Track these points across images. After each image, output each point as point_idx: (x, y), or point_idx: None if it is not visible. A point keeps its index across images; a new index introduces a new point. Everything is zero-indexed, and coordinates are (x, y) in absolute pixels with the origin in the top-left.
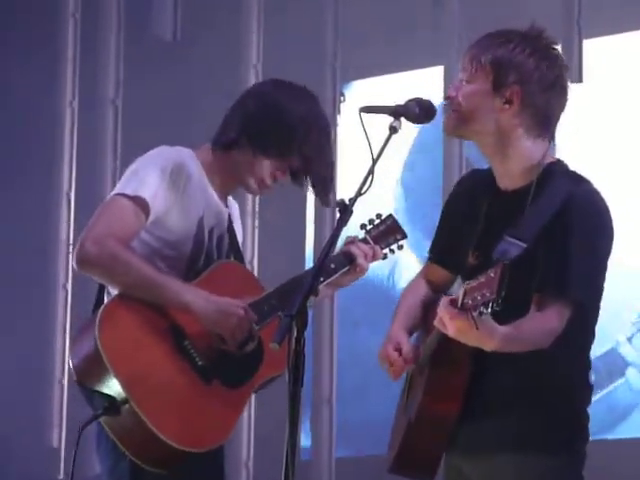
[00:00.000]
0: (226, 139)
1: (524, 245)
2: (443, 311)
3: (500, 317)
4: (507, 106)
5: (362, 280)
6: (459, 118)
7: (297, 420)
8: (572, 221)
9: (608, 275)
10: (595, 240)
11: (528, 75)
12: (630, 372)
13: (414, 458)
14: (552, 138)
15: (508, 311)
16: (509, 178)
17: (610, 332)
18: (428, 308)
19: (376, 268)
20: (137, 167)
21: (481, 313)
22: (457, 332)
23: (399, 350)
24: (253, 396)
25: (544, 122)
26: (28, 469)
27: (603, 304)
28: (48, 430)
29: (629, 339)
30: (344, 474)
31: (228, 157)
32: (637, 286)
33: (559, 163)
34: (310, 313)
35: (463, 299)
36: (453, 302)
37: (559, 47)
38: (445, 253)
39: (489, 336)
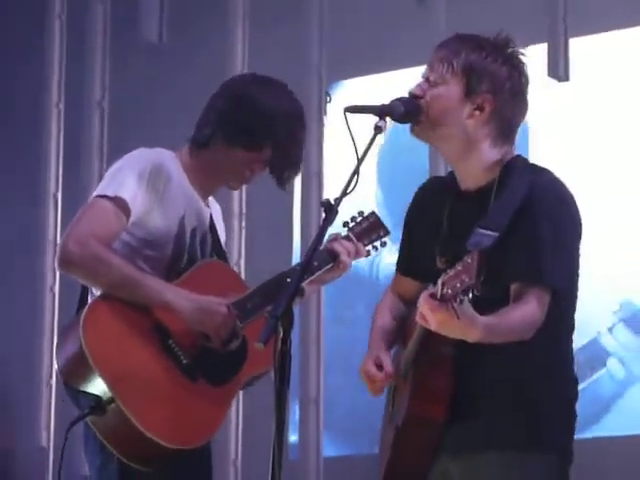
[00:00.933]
0: (201, 137)
1: (496, 234)
2: (423, 304)
3: (478, 307)
4: (477, 113)
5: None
6: (426, 121)
7: (284, 419)
8: (538, 209)
9: (588, 265)
10: (563, 226)
11: (501, 85)
12: (611, 362)
13: (405, 465)
14: (513, 142)
15: (485, 301)
16: (472, 178)
17: (591, 323)
18: (402, 322)
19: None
20: (117, 169)
21: (461, 301)
22: (439, 324)
23: (379, 365)
24: (241, 396)
25: (509, 130)
26: (17, 469)
27: (583, 294)
28: (37, 431)
29: (610, 329)
30: (332, 473)
31: (205, 155)
32: (617, 276)
33: (519, 158)
34: (296, 312)
35: (442, 290)
36: (433, 295)
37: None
38: (411, 264)
39: (471, 325)
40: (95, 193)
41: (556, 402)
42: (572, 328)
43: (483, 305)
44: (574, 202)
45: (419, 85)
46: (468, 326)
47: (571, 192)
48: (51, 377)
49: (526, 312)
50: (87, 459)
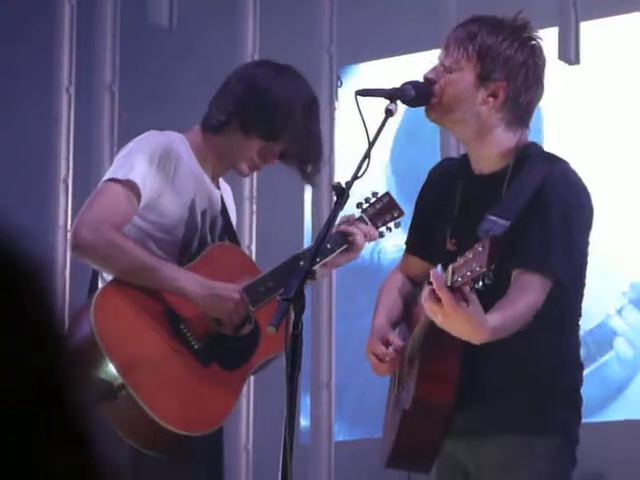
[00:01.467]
0: (216, 122)
1: (508, 223)
2: (428, 297)
3: (483, 295)
4: (491, 99)
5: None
6: (439, 106)
7: (295, 404)
8: (551, 199)
9: (597, 247)
10: (574, 216)
11: (515, 72)
12: (619, 344)
13: (411, 449)
14: (528, 126)
15: (491, 289)
16: (485, 162)
17: (600, 305)
18: (408, 302)
19: None
20: (126, 153)
21: (472, 289)
22: (446, 318)
23: (386, 343)
24: (252, 380)
25: (524, 115)
26: None
27: (592, 276)
28: None
29: (619, 311)
30: (344, 458)
31: (218, 139)
32: (626, 258)
33: (533, 146)
34: (308, 297)
35: (453, 278)
36: (439, 284)
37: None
38: (421, 244)
39: (480, 326)
40: (105, 177)
41: (560, 387)
42: (578, 315)
43: (482, 291)
44: (587, 194)
45: (434, 69)
46: (477, 327)
47: (583, 183)
48: None
49: (531, 301)
50: None
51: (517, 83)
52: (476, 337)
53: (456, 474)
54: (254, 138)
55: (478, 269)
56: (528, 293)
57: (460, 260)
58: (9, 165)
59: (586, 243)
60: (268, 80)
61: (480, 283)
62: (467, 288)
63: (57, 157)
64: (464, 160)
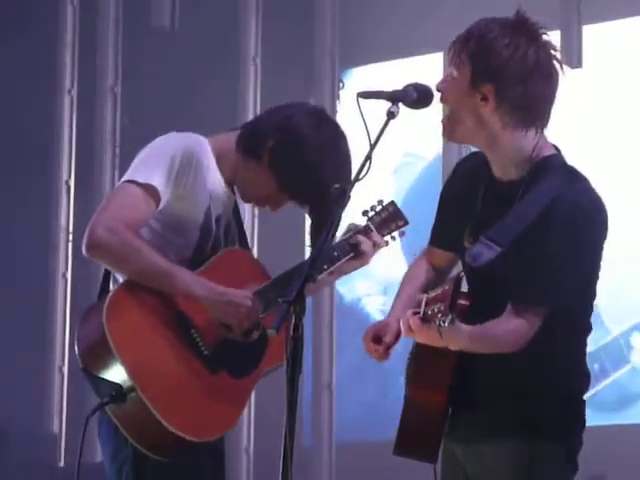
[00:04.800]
0: (251, 148)
1: (498, 249)
2: (408, 322)
3: (477, 321)
4: (484, 103)
5: None
6: (449, 124)
7: (295, 405)
8: (551, 227)
9: (616, 265)
10: (577, 244)
11: (500, 69)
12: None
13: (413, 441)
14: (542, 126)
15: (486, 313)
16: (502, 169)
17: (618, 321)
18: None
19: None
20: (147, 154)
21: (440, 325)
22: (424, 341)
23: (381, 336)
24: None
25: (525, 113)
26: (28, 456)
27: (610, 294)
28: (49, 417)
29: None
30: (345, 459)
31: (249, 163)
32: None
33: (555, 157)
34: (309, 300)
35: (425, 309)
36: (416, 313)
37: (549, 33)
38: (444, 235)
39: (453, 341)
40: (124, 178)
41: (560, 393)
42: (584, 327)
43: (480, 312)
44: (598, 215)
45: (442, 79)
46: (450, 342)
47: (599, 204)
48: (63, 363)
49: (508, 327)
50: (101, 443)
51: (502, 82)
52: (453, 347)
53: (458, 473)
54: (284, 195)
55: (443, 308)
56: (507, 321)
57: (432, 293)
58: (11, 166)
59: (593, 268)
60: (321, 160)
61: (446, 323)
62: (436, 323)
63: (59, 159)
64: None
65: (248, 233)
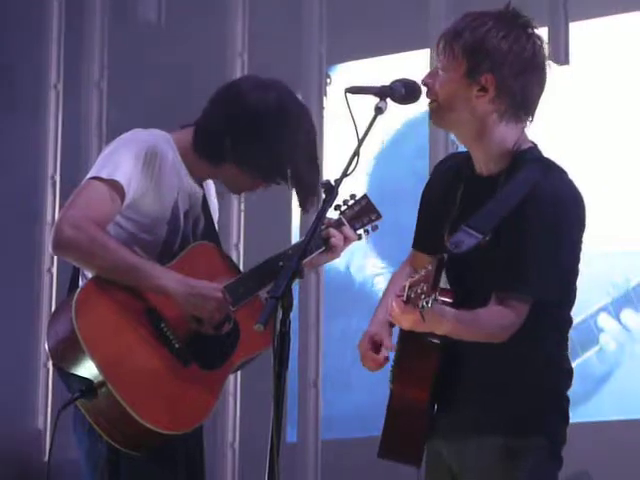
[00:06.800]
0: (213, 154)
1: (480, 237)
2: (392, 306)
3: (462, 308)
4: (482, 94)
5: None
6: (439, 109)
7: (282, 402)
8: (531, 214)
9: (585, 245)
10: (556, 233)
11: (501, 60)
12: (604, 341)
13: (397, 441)
14: (531, 120)
15: (469, 302)
16: (485, 163)
17: (586, 303)
18: None
19: None
20: (111, 151)
21: (423, 307)
22: (408, 325)
23: (378, 343)
24: (239, 378)
25: (521, 105)
26: (14, 451)
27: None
28: (34, 413)
29: (604, 308)
30: (330, 457)
31: (218, 167)
32: (613, 254)
33: (532, 150)
34: (296, 296)
35: (408, 292)
36: (400, 296)
37: (539, 27)
38: (425, 239)
39: (438, 322)
40: (89, 175)
41: (544, 390)
42: (566, 323)
43: (463, 300)
44: (577, 206)
45: (430, 73)
46: (435, 324)
47: (576, 194)
48: (48, 359)
49: (501, 319)
50: (76, 440)
51: (503, 72)
52: (438, 330)
53: (443, 473)
54: (247, 176)
55: (426, 289)
56: (495, 309)
57: (416, 275)
58: None
59: (573, 258)
60: (270, 121)
61: (429, 304)
62: (419, 306)
63: (45, 154)
64: (469, 157)
65: (234, 229)
